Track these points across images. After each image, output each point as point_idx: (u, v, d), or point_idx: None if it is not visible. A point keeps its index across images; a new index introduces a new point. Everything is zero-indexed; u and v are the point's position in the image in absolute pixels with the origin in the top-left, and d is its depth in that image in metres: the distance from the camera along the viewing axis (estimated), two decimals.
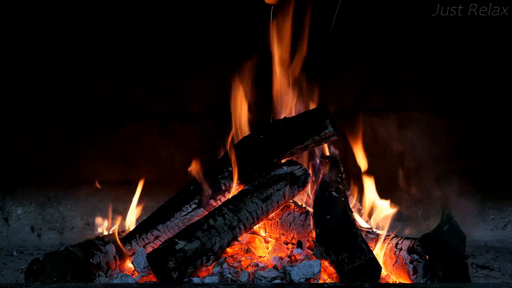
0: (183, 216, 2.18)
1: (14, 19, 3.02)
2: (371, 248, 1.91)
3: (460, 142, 3.12)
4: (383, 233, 2.10)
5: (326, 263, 1.96)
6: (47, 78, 3.08)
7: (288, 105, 2.43)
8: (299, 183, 2.21)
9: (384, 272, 2.00)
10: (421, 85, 3.11)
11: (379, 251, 2.05)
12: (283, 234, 2.25)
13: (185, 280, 1.84)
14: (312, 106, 2.42)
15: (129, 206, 2.44)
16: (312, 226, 2.16)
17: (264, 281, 1.86)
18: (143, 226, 2.21)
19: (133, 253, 2.12)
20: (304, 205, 2.31)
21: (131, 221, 2.37)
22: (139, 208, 2.42)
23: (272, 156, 2.22)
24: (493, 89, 3.10)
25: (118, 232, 2.21)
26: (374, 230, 2.21)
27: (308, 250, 2.12)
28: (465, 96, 3.11)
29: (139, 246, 2.14)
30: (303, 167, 2.24)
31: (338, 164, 2.42)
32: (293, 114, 2.37)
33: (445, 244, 1.81)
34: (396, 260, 1.96)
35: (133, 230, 2.23)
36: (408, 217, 3.16)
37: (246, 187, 2.16)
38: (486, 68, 3.08)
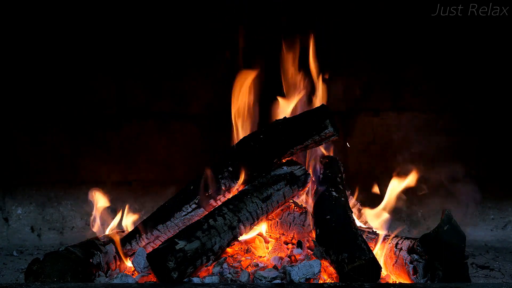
0: (183, 216, 2.17)
1: (14, 20, 3.02)
2: (371, 248, 1.91)
3: (460, 142, 3.12)
4: (383, 233, 2.10)
5: (326, 263, 1.95)
6: (47, 78, 3.09)
7: (290, 105, 2.43)
8: (299, 183, 2.20)
9: (384, 272, 2.00)
10: (421, 85, 3.11)
11: (379, 251, 2.05)
12: (283, 234, 2.25)
13: (185, 280, 1.84)
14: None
15: (129, 206, 2.45)
16: (312, 226, 2.16)
17: (264, 281, 1.85)
18: (143, 226, 2.21)
19: (133, 253, 2.12)
20: (304, 205, 2.31)
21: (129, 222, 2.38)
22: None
23: (272, 156, 2.22)
24: (493, 89, 3.10)
25: (118, 232, 2.21)
26: (374, 230, 2.21)
27: (308, 250, 2.12)
28: (465, 96, 3.11)
29: (139, 246, 2.14)
30: (303, 167, 2.24)
31: (338, 164, 2.43)
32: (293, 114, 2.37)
33: (445, 244, 1.81)
34: (396, 260, 1.96)
35: (133, 230, 2.23)
36: (408, 217, 3.16)
37: (246, 187, 2.15)
38: (486, 68, 3.08)
